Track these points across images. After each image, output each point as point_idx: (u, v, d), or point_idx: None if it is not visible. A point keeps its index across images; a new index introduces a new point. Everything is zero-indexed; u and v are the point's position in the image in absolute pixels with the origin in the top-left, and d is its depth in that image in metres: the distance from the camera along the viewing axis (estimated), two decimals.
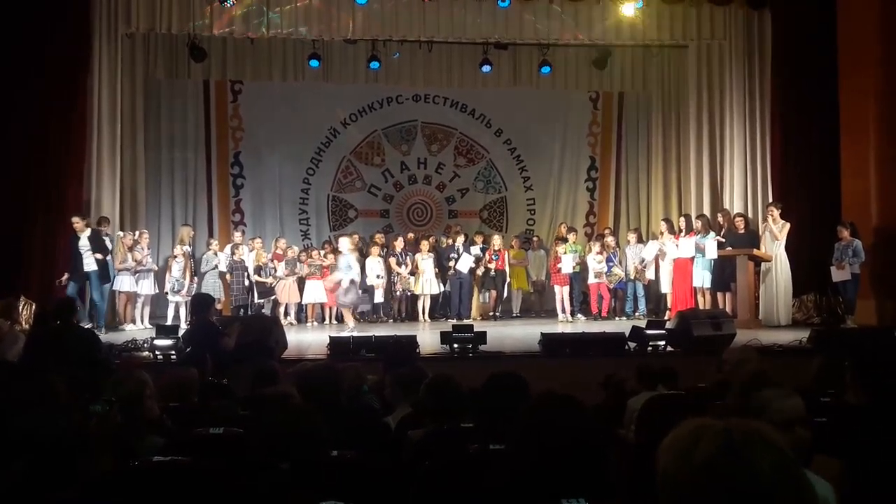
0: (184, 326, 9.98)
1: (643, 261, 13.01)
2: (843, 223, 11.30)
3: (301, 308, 12.93)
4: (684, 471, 1.32)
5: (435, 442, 3.37)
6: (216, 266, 12.35)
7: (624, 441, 4.67)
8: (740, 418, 1.37)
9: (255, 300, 12.58)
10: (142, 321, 11.73)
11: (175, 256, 12.19)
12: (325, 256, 12.92)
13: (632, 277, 13.06)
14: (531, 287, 13.95)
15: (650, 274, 13.04)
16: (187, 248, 12.35)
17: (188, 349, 7.48)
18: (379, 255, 12.92)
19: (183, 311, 11.93)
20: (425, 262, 12.93)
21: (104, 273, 10.85)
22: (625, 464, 4.01)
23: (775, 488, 1.27)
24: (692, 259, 12.16)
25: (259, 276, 12.51)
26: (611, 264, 13.02)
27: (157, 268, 12.26)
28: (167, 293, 12.04)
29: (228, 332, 7.26)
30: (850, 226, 11.21)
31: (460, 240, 13.39)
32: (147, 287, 11.89)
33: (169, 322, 11.19)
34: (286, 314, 12.64)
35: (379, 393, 5.02)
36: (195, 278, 12.32)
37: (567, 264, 12.96)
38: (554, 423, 2.10)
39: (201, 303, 7.68)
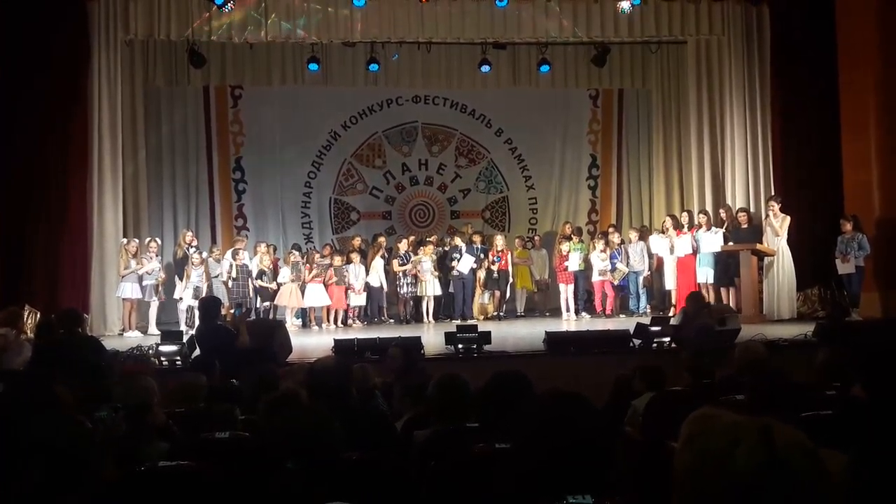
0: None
1: (651, 256, 13.00)
2: (846, 216, 11.29)
3: (304, 312, 12.89)
4: (720, 473, 1.26)
5: (441, 442, 3.38)
6: (219, 273, 12.33)
7: (629, 438, 4.66)
8: (761, 416, 1.32)
9: (258, 305, 12.56)
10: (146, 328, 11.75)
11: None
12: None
13: (636, 270, 13.01)
14: (535, 286, 13.94)
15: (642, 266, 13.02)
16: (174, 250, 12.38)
17: (195, 354, 7.45)
18: (382, 256, 12.91)
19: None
20: (427, 263, 12.91)
21: None
22: (630, 461, 4.00)
23: (817, 500, 1.25)
24: (695, 255, 12.17)
25: (261, 280, 12.49)
26: (615, 261, 13.01)
27: (164, 276, 12.26)
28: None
29: (239, 330, 7.24)
30: (853, 219, 11.19)
31: (460, 240, 13.36)
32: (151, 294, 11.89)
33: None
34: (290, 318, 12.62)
35: (387, 396, 5.02)
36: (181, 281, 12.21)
37: (573, 262, 12.96)
38: (560, 420, 2.10)
39: (210, 307, 7.57)
